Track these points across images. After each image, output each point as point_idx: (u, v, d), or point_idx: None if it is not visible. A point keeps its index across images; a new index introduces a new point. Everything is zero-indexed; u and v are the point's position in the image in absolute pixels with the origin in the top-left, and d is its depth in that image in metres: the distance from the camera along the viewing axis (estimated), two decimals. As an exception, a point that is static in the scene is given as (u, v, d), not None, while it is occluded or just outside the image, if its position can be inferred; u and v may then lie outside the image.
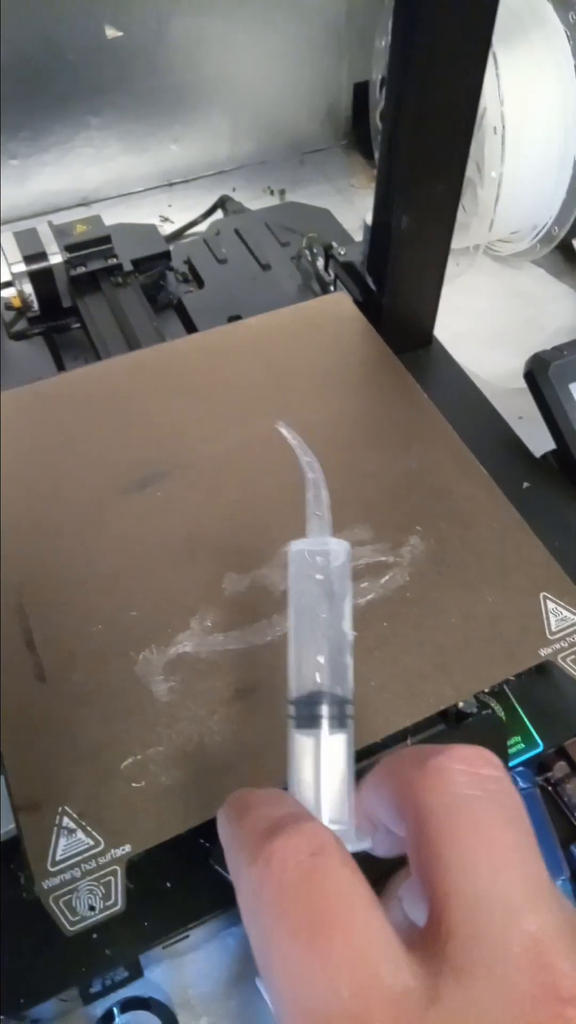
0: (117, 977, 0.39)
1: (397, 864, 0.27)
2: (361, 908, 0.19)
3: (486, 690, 0.43)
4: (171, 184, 0.91)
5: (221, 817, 0.23)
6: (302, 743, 0.26)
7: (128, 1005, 0.40)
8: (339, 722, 0.26)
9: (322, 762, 0.25)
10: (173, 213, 0.87)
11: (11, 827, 0.40)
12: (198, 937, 0.42)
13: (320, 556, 0.28)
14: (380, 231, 0.54)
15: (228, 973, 0.44)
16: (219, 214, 0.82)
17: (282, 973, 0.19)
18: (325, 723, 0.25)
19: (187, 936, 0.40)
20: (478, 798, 0.20)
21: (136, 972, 0.40)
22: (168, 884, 0.40)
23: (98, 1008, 0.41)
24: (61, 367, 0.64)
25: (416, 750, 0.23)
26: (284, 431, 0.32)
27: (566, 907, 0.19)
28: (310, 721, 0.26)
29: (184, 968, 0.44)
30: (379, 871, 0.27)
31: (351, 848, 0.21)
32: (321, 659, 0.26)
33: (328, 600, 0.27)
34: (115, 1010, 0.40)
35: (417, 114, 0.46)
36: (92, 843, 0.36)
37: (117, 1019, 0.40)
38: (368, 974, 0.18)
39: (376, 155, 0.86)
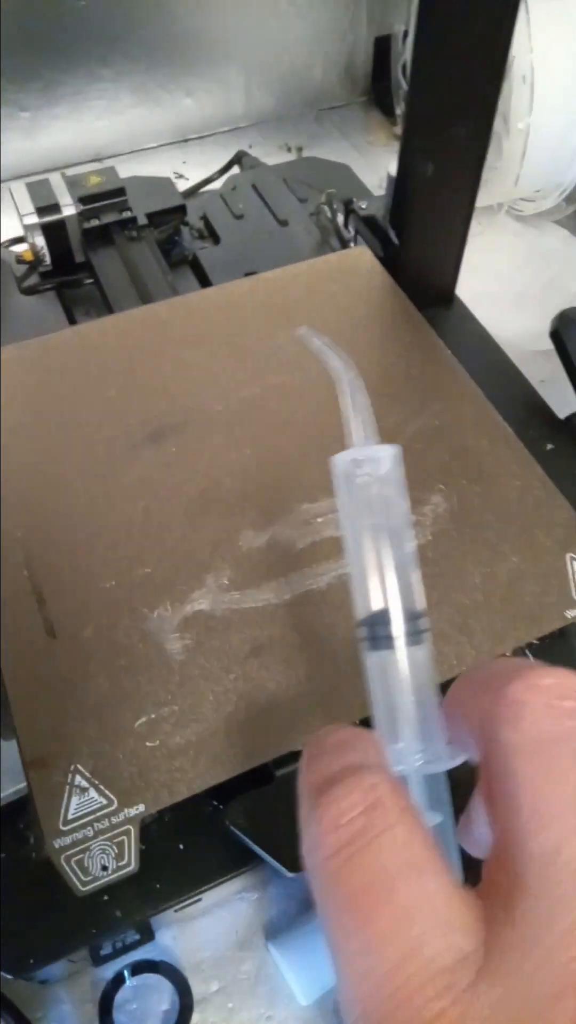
0: (128, 940, 0.38)
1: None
2: (414, 870, 0.18)
3: (507, 652, 0.42)
4: (185, 140, 0.88)
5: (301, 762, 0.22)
6: (378, 664, 0.24)
7: (139, 968, 0.40)
8: (415, 638, 0.24)
9: (401, 680, 0.24)
10: (188, 170, 0.85)
11: (18, 787, 0.39)
12: (209, 900, 0.42)
13: (369, 464, 0.26)
14: (404, 181, 0.52)
15: (239, 938, 0.43)
16: (235, 170, 0.80)
17: (334, 939, 0.18)
18: (401, 641, 0.24)
19: (199, 899, 0.39)
20: (559, 740, 0.19)
21: (147, 935, 0.39)
22: (181, 846, 0.39)
23: (108, 970, 0.40)
24: (73, 322, 0.62)
25: (496, 668, 0.21)
26: (307, 335, 0.30)
27: None
28: (385, 641, 0.24)
29: (195, 932, 0.43)
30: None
31: (444, 767, 0.21)
32: (387, 574, 0.25)
33: (385, 511, 0.25)
34: (126, 973, 0.39)
35: (445, 56, 0.44)
36: (105, 802, 0.35)
37: (128, 981, 0.39)
38: (415, 944, 0.17)
39: (397, 111, 0.84)
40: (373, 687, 0.24)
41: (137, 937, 0.39)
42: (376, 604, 0.24)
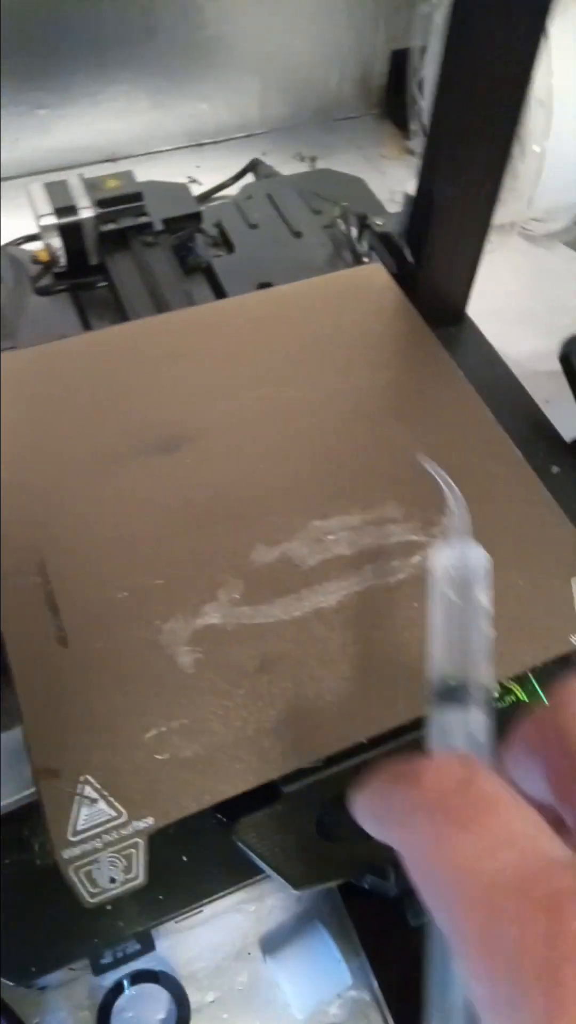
0: (129, 950, 0.39)
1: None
2: (516, 802, 0.20)
3: (511, 676, 0.43)
4: (200, 144, 0.89)
5: (362, 797, 0.24)
6: (447, 716, 0.27)
7: (138, 978, 0.40)
8: (482, 705, 0.27)
9: (467, 733, 0.27)
10: (201, 174, 0.85)
11: (20, 795, 0.39)
12: (207, 911, 0.42)
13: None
14: (423, 201, 0.52)
15: (236, 949, 0.44)
16: (249, 177, 0.80)
17: (449, 863, 0.19)
18: (473, 702, 0.28)
19: (200, 911, 0.40)
20: None
21: (148, 945, 0.39)
22: (184, 858, 0.39)
23: (107, 979, 0.40)
24: (86, 324, 0.62)
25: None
26: (428, 466, 0.37)
27: None
28: (456, 697, 0.28)
29: (192, 941, 0.44)
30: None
31: None
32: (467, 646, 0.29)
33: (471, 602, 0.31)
34: (125, 982, 0.40)
35: (469, 80, 0.45)
36: (114, 814, 0.35)
37: (127, 990, 0.40)
38: (530, 845, 0.19)
39: (411, 125, 0.84)
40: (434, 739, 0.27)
41: (138, 947, 0.39)
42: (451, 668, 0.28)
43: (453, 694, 0.27)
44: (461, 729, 0.26)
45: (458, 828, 0.20)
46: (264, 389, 0.49)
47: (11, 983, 0.37)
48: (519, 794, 0.20)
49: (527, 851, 0.19)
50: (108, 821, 0.35)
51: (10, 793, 0.39)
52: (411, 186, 0.56)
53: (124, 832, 0.35)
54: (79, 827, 0.35)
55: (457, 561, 0.32)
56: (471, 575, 0.32)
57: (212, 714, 0.38)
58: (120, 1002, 0.40)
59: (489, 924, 0.18)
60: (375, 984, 0.42)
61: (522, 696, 0.44)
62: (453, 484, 0.36)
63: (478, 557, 0.32)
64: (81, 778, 0.36)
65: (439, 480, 0.38)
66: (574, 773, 0.22)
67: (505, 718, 0.42)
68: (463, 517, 0.36)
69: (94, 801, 0.35)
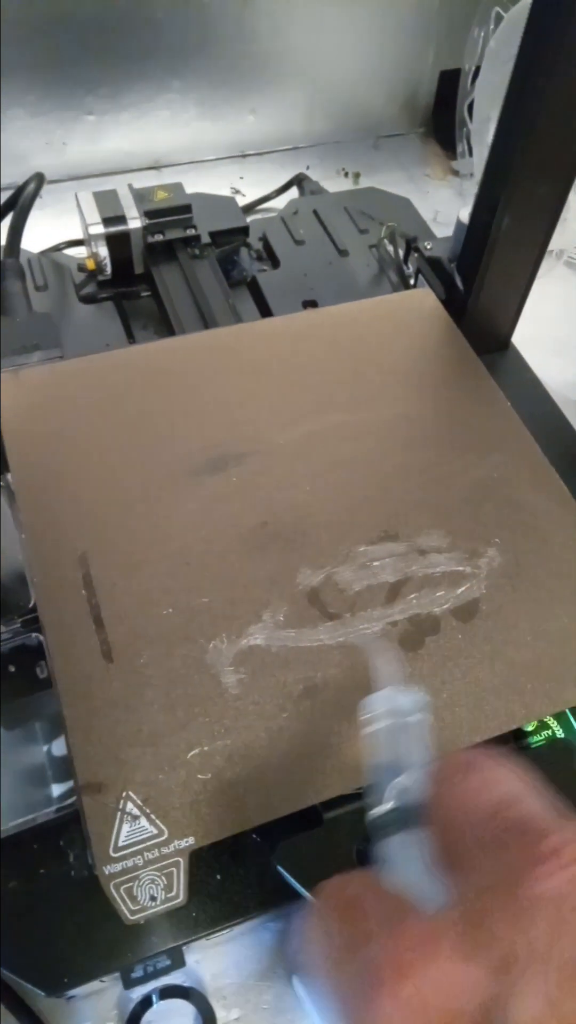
0: (159, 964, 0.39)
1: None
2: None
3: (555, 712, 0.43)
4: (244, 156, 0.89)
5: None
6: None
7: (167, 992, 0.40)
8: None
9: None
10: (244, 186, 0.85)
11: (53, 808, 0.40)
12: (236, 928, 0.42)
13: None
14: (477, 230, 0.52)
15: (262, 967, 0.44)
16: (293, 192, 0.81)
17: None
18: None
19: (231, 929, 0.40)
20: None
21: (178, 961, 0.39)
22: (218, 876, 0.40)
23: (135, 992, 0.41)
24: (129, 333, 0.63)
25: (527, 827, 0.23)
26: None
27: None
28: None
29: (219, 957, 0.44)
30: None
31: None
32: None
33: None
34: (154, 997, 0.40)
35: (534, 114, 0.45)
36: (156, 832, 0.35)
37: (155, 1004, 0.40)
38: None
39: (457, 147, 0.84)
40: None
41: (168, 963, 0.39)
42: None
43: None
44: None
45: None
46: (313, 412, 0.50)
47: (42, 993, 0.37)
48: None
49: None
50: (150, 838, 0.35)
51: (6, 819, 0.39)
52: (455, 207, 0.56)
53: (165, 850, 0.35)
54: (121, 843, 0.35)
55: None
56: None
57: (256, 736, 0.38)
58: (148, 1016, 0.40)
59: None
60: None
61: (557, 732, 0.45)
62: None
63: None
64: (124, 794, 0.36)
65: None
66: (450, 844, 0.23)
67: (540, 755, 0.43)
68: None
69: (136, 818, 0.35)
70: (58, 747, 0.41)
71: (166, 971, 0.39)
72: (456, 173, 0.89)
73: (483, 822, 0.23)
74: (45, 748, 0.41)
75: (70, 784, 0.39)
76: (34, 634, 0.43)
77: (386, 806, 0.28)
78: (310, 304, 0.63)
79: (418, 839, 0.25)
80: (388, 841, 0.27)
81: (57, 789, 0.40)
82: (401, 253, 0.65)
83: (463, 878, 0.22)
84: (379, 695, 0.31)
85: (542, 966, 0.19)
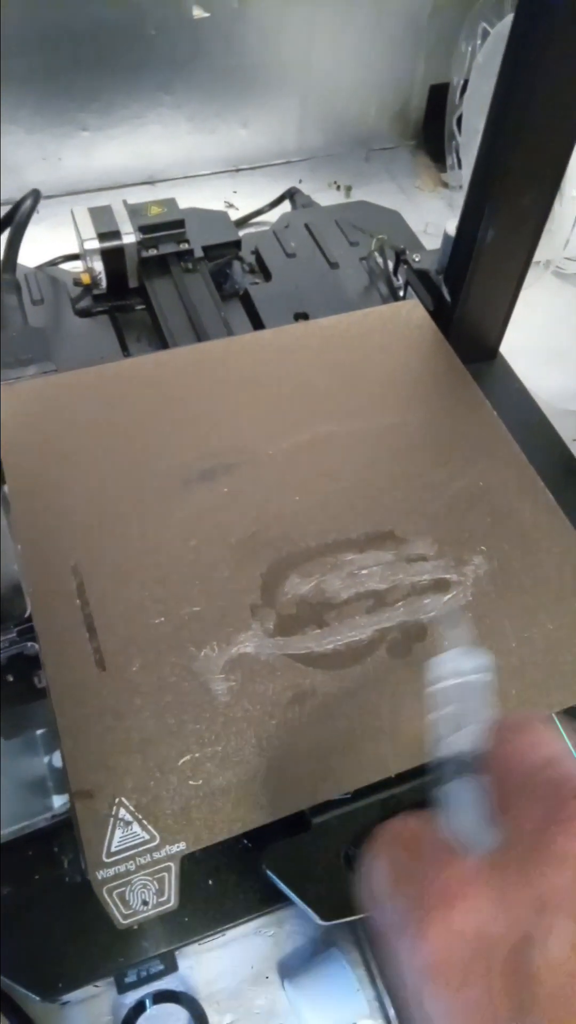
0: (152, 969, 0.40)
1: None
2: None
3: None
4: (237, 170, 0.90)
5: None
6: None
7: (160, 997, 0.41)
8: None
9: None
10: (238, 200, 0.86)
11: (47, 814, 0.40)
12: (228, 934, 0.43)
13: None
14: (463, 242, 0.53)
15: (254, 972, 0.44)
16: (286, 205, 0.82)
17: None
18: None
19: (224, 934, 0.40)
20: None
21: (171, 966, 0.40)
22: (210, 882, 0.40)
23: (129, 997, 0.41)
24: (124, 346, 0.63)
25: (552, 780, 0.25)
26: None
27: None
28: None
29: (212, 963, 0.44)
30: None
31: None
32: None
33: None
34: (147, 1001, 0.40)
35: (519, 128, 0.46)
36: (147, 837, 0.36)
37: (148, 1009, 0.40)
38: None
39: (447, 159, 0.85)
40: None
41: (161, 967, 0.40)
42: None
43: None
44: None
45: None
46: (303, 423, 0.50)
47: (37, 998, 0.38)
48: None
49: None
50: (142, 844, 0.36)
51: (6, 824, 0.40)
52: (445, 218, 0.57)
53: (157, 855, 0.35)
54: (113, 848, 0.35)
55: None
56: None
57: (246, 743, 0.38)
58: (141, 1020, 0.41)
59: None
60: (391, 1015, 0.42)
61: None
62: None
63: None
64: (116, 800, 0.37)
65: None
66: (502, 793, 0.26)
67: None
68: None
69: (128, 823, 0.36)
70: (59, 759, 0.41)
71: (159, 976, 0.40)
72: (446, 185, 0.90)
73: (531, 775, 0.25)
74: (46, 760, 0.42)
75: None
76: (31, 643, 0.44)
77: (447, 755, 0.29)
78: (301, 316, 0.64)
79: (473, 786, 0.27)
80: (447, 787, 0.28)
81: (58, 800, 0.41)
82: (391, 265, 0.66)
83: (510, 824, 0.24)
84: (447, 655, 0.32)
85: (569, 913, 0.21)
